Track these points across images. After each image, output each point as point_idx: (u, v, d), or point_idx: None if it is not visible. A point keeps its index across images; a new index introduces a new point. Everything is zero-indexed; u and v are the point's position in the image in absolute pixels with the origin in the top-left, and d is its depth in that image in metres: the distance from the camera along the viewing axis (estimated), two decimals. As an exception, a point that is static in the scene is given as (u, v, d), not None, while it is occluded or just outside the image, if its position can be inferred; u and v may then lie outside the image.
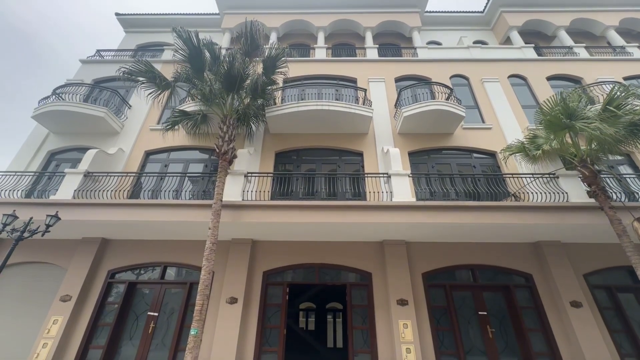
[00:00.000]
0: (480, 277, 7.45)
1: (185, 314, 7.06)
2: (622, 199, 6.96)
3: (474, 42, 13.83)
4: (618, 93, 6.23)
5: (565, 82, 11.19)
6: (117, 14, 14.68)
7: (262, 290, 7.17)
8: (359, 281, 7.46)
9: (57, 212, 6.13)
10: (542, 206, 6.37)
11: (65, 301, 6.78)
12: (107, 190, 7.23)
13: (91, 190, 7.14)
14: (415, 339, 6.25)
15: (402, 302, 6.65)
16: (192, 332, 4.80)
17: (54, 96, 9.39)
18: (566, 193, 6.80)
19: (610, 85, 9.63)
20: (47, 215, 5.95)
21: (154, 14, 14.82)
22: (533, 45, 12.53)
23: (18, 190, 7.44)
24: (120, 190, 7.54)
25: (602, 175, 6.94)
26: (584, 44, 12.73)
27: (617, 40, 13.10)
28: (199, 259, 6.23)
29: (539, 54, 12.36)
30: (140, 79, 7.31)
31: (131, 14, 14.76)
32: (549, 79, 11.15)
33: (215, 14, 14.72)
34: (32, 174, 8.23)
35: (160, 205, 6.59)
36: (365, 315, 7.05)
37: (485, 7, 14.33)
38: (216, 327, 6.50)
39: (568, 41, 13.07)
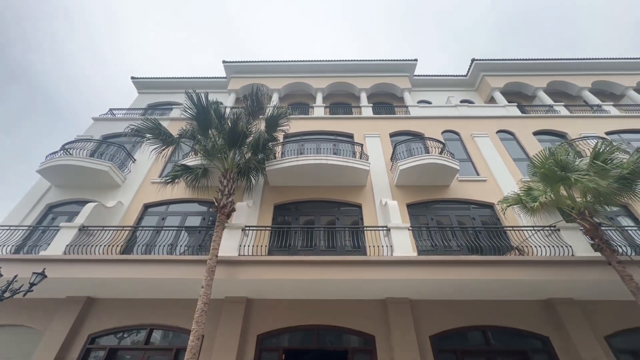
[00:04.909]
0: (494, 339, 6.85)
1: (168, 387, 6.29)
2: (629, 253, 6.79)
3: (461, 101, 14.94)
4: (603, 148, 6.53)
5: (551, 137, 11.79)
6: (132, 78, 16.05)
7: (256, 357, 6.50)
8: (362, 345, 6.82)
9: (44, 269, 5.87)
10: (548, 260, 6.19)
11: (35, 372, 6.08)
12: (100, 246, 7.03)
13: (84, 245, 6.95)
14: (427, 419, 5.48)
15: (410, 372, 6.00)
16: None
17: (62, 151, 9.73)
18: (570, 247, 6.66)
19: (594, 139, 10.14)
20: (33, 273, 5.68)
21: (167, 77, 16.22)
22: (516, 104, 13.53)
23: (8, 246, 7.22)
24: (113, 245, 7.33)
25: (603, 228, 6.88)
26: (563, 103, 13.75)
27: (593, 99, 14.21)
28: (188, 321, 5.78)
29: (522, 112, 13.23)
30: (147, 135, 7.67)
31: (145, 78, 16.14)
32: (535, 133, 11.78)
33: (222, 77, 16.13)
34: (26, 228, 8.09)
35: (152, 261, 6.37)
36: (370, 388, 6.28)
37: (468, 71, 15.81)
38: (202, 404, 5.73)
39: (548, 100, 14.15)
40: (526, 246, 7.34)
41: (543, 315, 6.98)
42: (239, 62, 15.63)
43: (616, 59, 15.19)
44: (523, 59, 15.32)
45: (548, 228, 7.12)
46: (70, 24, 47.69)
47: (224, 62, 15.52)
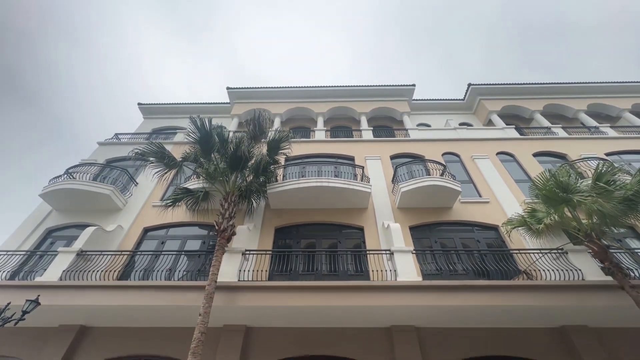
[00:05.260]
0: (507, 372, 6.45)
1: None
2: (641, 277, 6.57)
3: (460, 124, 15.17)
4: (604, 169, 6.53)
5: (551, 158, 11.83)
6: (139, 104, 16.54)
7: (254, 391, 6.14)
8: (367, 378, 6.43)
9: (38, 296, 5.72)
10: (558, 285, 5.98)
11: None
12: (97, 271, 6.89)
13: (81, 271, 6.81)
14: None
15: (419, 408, 5.61)
16: None
17: (65, 175, 9.82)
18: (580, 270, 6.45)
19: (595, 161, 10.15)
20: (27, 301, 5.52)
21: (172, 103, 16.71)
22: (514, 126, 13.72)
23: (3, 272, 7.09)
24: (110, 271, 7.17)
25: (612, 250, 6.70)
26: (561, 125, 13.93)
27: (589, 121, 14.43)
28: (183, 351, 5.50)
29: (521, 134, 13.39)
30: (151, 158, 7.77)
31: (151, 104, 16.63)
32: (535, 155, 11.83)
33: (226, 103, 16.59)
34: (23, 253, 7.98)
35: (148, 287, 6.21)
36: None
37: (465, 96, 16.22)
38: None
39: (545, 122, 14.37)
40: (534, 269, 7.12)
41: (557, 344, 6.61)
42: (242, 88, 16.16)
43: (611, 82, 15.60)
44: (519, 83, 15.78)
45: (555, 251, 6.94)
46: (74, 47, 49.88)
47: (227, 88, 16.04)
